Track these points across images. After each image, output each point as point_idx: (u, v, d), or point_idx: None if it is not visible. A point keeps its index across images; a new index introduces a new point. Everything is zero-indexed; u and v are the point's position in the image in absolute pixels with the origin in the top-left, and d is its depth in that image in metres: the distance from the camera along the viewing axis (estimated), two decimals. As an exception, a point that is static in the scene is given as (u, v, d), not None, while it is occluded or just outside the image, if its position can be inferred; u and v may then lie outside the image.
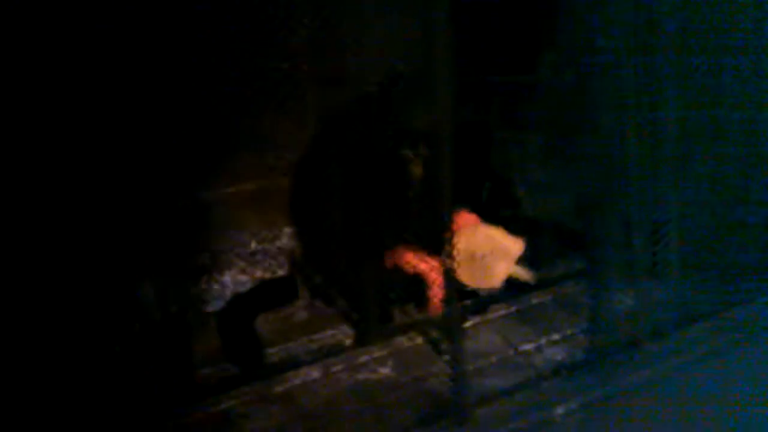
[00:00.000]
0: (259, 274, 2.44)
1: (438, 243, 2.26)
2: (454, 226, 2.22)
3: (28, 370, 1.73)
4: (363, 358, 2.13)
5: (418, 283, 2.24)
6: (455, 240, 2.19)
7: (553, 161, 2.47)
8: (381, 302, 2.24)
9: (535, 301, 2.32)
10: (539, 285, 2.31)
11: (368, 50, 2.18)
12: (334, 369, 2.10)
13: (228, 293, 2.38)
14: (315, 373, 2.09)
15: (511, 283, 2.27)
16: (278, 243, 2.47)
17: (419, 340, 2.19)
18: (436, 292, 2.11)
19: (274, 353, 2.18)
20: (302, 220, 2.42)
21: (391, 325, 2.22)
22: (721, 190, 2.05)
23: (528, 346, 2.11)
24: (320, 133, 2.36)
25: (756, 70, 2.05)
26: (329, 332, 2.24)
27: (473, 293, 2.24)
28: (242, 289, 2.40)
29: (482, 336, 2.15)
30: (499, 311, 2.27)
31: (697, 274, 2.04)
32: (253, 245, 2.45)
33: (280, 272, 2.46)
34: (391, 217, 2.24)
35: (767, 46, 2.04)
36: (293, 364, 2.12)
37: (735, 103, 2.03)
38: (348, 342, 2.20)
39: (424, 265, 2.23)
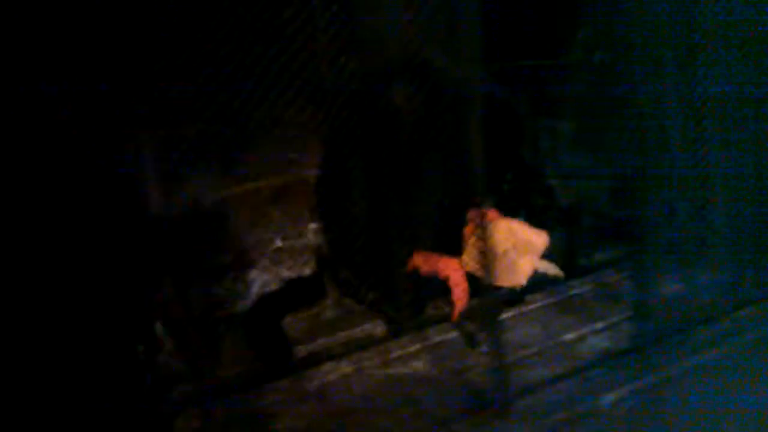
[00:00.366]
0: (285, 272, 2.36)
1: (459, 242, 2.20)
2: (474, 222, 2.15)
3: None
4: (396, 353, 2.04)
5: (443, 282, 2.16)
6: (475, 236, 2.12)
7: (588, 146, 2.36)
8: (412, 297, 2.15)
9: (575, 290, 2.20)
10: (580, 273, 2.20)
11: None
12: (367, 364, 2.00)
13: (254, 293, 2.29)
14: (347, 368, 2.00)
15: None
16: (304, 240, 2.39)
17: (451, 334, 2.09)
18: (458, 294, 2.01)
19: (304, 350, 2.09)
20: (329, 214, 2.33)
21: (423, 319, 2.12)
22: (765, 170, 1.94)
23: (570, 336, 2.01)
24: (345, 126, 2.28)
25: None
26: (359, 328, 2.15)
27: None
28: (268, 288, 2.31)
29: (522, 327, 2.06)
30: (537, 302, 2.15)
31: (746, 257, 1.91)
32: (278, 242, 2.36)
33: (307, 270, 2.37)
34: (415, 217, 2.16)
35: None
36: (325, 358, 2.03)
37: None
38: (379, 336, 2.10)
39: (445, 268, 2.13)
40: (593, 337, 1.99)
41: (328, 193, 2.31)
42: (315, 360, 2.06)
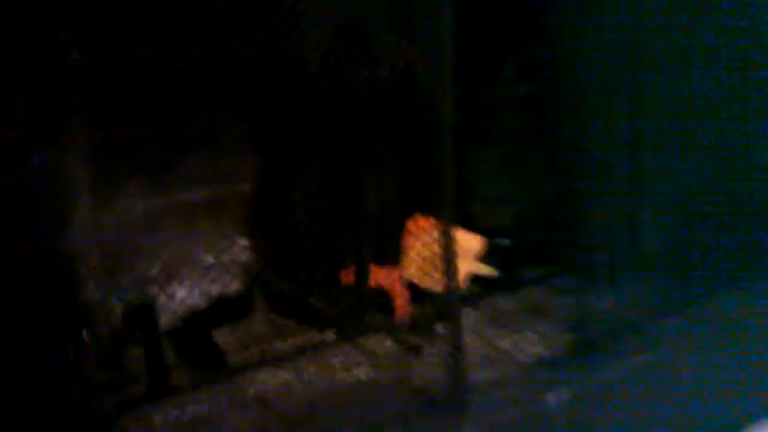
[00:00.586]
0: (212, 287, 2.28)
1: (396, 253, 2.24)
2: (414, 231, 2.21)
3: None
4: (336, 361, 2.01)
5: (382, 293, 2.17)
6: (413, 245, 2.17)
7: (513, 174, 2.49)
8: (347, 310, 2.15)
9: (504, 305, 2.27)
10: (507, 290, 2.28)
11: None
12: (307, 372, 1.96)
13: (180, 306, 2.20)
14: (287, 376, 1.95)
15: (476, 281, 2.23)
16: (233, 255, 2.33)
17: (391, 343, 2.09)
18: (399, 303, 2.04)
19: (238, 359, 2.02)
20: (262, 228, 2.30)
21: (362, 329, 2.11)
22: (691, 196, 2.12)
23: (506, 344, 2.06)
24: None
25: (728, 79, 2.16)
26: (295, 339, 2.11)
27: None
28: (195, 302, 2.23)
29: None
30: (468, 315, 2.19)
31: (669, 272, 2.06)
32: (208, 258, 2.29)
33: (235, 285, 2.31)
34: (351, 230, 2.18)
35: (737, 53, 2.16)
36: (263, 366, 1.97)
37: (705, 112, 2.12)
38: (317, 346, 2.07)
39: (386, 278, 2.16)
40: (529, 347, 2.06)
41: (266, 204, 2.28)
42: (251, 368, 1.98)
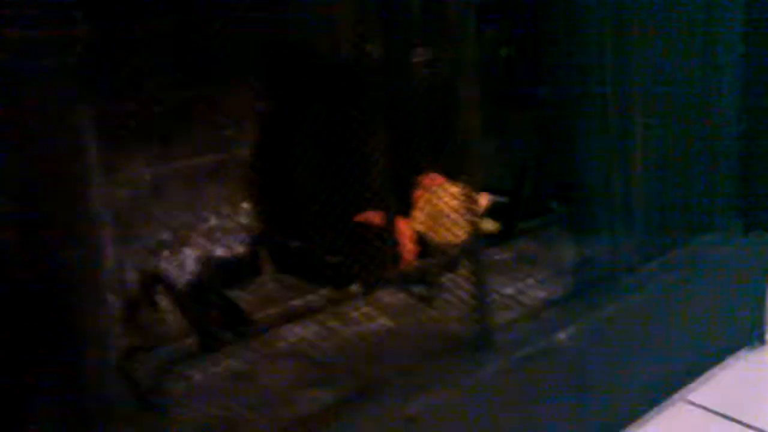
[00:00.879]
0: (218, 250, 2.34)
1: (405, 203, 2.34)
2: (424, 186, 2.32)
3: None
4: (354, 314, 2.11)
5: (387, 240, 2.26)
6: (422, 200, 2.29)
7: (495, 135, 2.61)
8: (354, 264, 2.23)
9: (497, 257, 2.40)
10: (497, 242, 2.41)
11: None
12: (330, 324, 2.05)
13: (189, 270, 2.25)
14: (311, 329, 2.04)
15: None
16: (238, 218, 2.39)
17: (401, 295, 2.20)
18: (406, 252, 2.15)
19: (256, 317, 2.09)
20: (265, 192, 2.36)
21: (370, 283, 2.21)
22: (669, 149, 2.29)
23: (509, 290, 2.20)
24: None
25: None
26: (308, 296, 2.19)
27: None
28: (203, 265, 2.29)
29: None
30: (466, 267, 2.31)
31: (654, 219, 2.23)
32: (212, 221, 2.35)
33: (241, 248, 2.37)
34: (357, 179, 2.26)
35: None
36: (284, 322, 2.05)
37: (682, 71, 2.28)
38: (331, 302, 2.16)
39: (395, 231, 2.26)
40: (530, 291, 2.20)
41: (265, 169, 2.34)
42: (273, 325, 2.06)
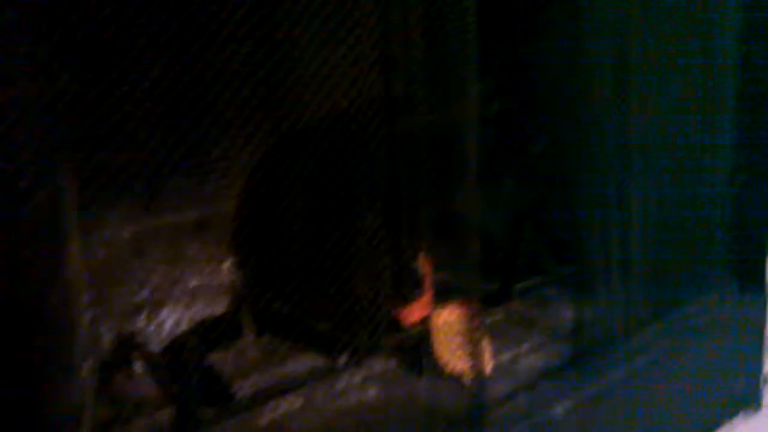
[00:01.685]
0: (200, 311, 2.24)
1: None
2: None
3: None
4: (341, 385, 2.01)
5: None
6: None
7: (488, 190, 2.54)
8: (345, 329, 2.14)
9: (490, 319, 2.33)
10: (507, 299, 2.34)
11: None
12: (315, 397, 1.95)
13: (168, 332, 2.15)
14: (296, 402, 1.94)
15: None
16: (220, 277, 2.29)
17: (391, 363, 2.11)
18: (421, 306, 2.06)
19: (239, 387, 1.99)
20: (250, 250, 2.27)
21: (361, 351, 2.12)
22: (668, 205, 2.24)
23: (505, 357, 2.11)
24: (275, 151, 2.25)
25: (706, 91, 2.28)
26: (292, 364, 2.09)
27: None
28: (183, 327, 2.18)
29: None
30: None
31: (653, 279, 2.18)
32: (194, 281, 2.25)
33: (222, 309, 2.27)
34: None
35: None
36: (268, 394, 1.94)
37: (678, 124, 2.23)
38: (317, 370, 2.06)
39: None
40: (525, 358, 2.12)
41: (252, 227, 2.25)
42: (256, 396, 1.96)
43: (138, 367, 2.02)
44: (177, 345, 2.12)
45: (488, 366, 2.04)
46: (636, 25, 2.09)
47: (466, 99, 1.83)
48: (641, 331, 2.19)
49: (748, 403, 2.55)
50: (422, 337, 2.06)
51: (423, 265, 2.19)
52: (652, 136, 2.19)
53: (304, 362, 2.09)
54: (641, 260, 2.20)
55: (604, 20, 2.05)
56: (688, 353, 2.28)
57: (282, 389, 1.95)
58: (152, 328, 2.13)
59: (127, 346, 2.04)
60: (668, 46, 2.19)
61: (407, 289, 2.20)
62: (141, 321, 2.12)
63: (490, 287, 2.37)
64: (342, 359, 2.05)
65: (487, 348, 2.05)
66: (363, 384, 2.02)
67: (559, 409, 1.90)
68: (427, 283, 2.17)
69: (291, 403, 1.92)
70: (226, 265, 2.29)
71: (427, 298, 2.15)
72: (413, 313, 2.13)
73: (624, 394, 2.07)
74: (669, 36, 2.18)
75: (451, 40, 1.87)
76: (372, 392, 1.98)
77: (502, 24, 2.32)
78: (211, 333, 2.21)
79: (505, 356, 2.13)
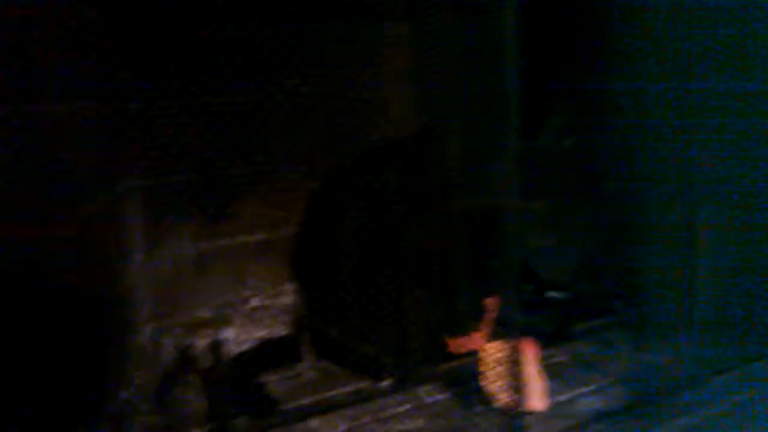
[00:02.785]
0: (260, 332, 2.28)
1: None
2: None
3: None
4: (389, 411, 1.98)
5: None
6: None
7: (557, 225, 2.49)
8: (400, 356, 2.13)
9: (554, 359, 2.25)
10: (554, 343, 2.26)
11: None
12: (361, 422, 1.93)
13: (228, 351, 2.19)
14: (340, 426, 1.92)
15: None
16: (281, 299, 2.33)
17: (443, 394, 2.07)
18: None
19: (288, 407, 2.00)
20: (311, 275, 2.30)
21: (411, 379, 2.09)
22: (745, 250, 2.12)
23: (561, 398, 2.03)
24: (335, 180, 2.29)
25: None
26: (345, 387, 2.08)
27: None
28: (243, 347, 2.22)
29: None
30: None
31: (724, 329, 2.06)
32: (255, 301, 2.29)
33: (283, 331, 2.30)
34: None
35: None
36: (315, 415, 1.94)
37: (759, 160, 2.12)
38: (368, 395, 2.04)
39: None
40: (583, 399, 2.04)
41: (312, 252, 2.29)
42: (302, 417, 1.96)
43: (194, 381, 2.06)
44: (234, 363, 2.17)
45: (542, 403, 1.97)
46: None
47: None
48: (710, 380, 2.05)
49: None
50: (475, 368, 2.01)
51: (486, 301, 2.16)
52: (723, 174, 2.09)
53: (352, 384, 2.09)
54: (713, 305, 2.08)
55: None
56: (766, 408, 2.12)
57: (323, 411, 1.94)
58: (211, 344, 2.17)
59: (186, 360, 2.09)
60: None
61: (467, 321, 2.17)
62: (201, 337, 2.17)
63: (550, 326, 2.30)
64: (389, 383, 2.04)
65: (541, 386, 1.99)
66: (411, 411, 1.99)
67: (612, 454, 1.79)
68: (488, 318, 2.14)
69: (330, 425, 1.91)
70: (288, 287, 2.33)
71: (484, 332, 2.11)
72: (468, 345, 2.09)
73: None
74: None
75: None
76: (420, 421, 1.94)
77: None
78: (269, 353, 2.25)
79: (563, 395, 2.04)
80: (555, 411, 1.98)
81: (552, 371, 2.18)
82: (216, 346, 2.11)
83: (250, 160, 2.17)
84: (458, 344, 2.10)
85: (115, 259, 1.94)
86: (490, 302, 2.12)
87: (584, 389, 2.09)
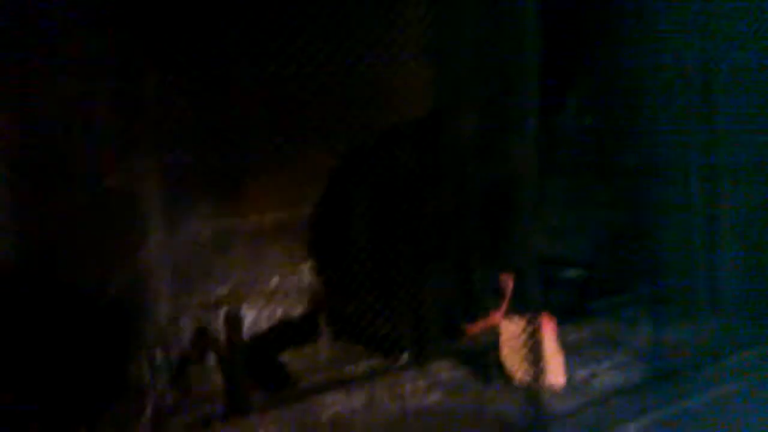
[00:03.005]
0: (279, 310, 2.28)
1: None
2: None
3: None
4: (407, 387, 1.97)
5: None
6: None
7: (578, 203, 2.46)
8: (416, 333, 2.12)
9: (572, 336, 2.22)
10: (575, 320, 2.23)
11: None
12: (379, 397, 1.93)
13: (247, 329, 2.19)
14: (358, 400, 1.92)
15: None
16: (299, 277, 2.32)
17: (460, 370, 2.05)
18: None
19: (307, 382, 2.00)
20: (329, 253, 2.29)
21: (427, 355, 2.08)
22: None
23: (582, 373, 2.02)
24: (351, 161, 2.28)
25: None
26: (364, 363, 2.08)
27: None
28: (262, 325, 2.22)
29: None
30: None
31: (746, 305, 2.02)
32: (274, 279, 2.29)
33: (301, 309, 2.30)
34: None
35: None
36: (333, 390, 1.94)
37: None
38: (386, 371, 2.04)
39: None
40: (604, 375, 2.02)
41: (331, 231, 2.28)
42: (321, 391, 1.96)
43: (212, 359, 2.07)
44: (252, 342, 2.18)
45: (560, 379, 1.95)
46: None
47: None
48: (735, 355, 2.01)
49: None
50: (492, 345, 2.00)
51: (503, 278, 2.15)
52: (746, 146, 2.05)
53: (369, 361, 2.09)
54: (737, 280, 2.04)
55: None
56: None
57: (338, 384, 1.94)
58: (229, 323, 2.17)
59: (204, 339, 2.10)
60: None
61: (485, 298, 2.16)
62: (219, 316, 2.17)
63: (569, 303, 2.28)
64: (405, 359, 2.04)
65: (559, 362, 1.97)
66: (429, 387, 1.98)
67: (631, 428, 1.77)
68: (506, 294, 2.12)
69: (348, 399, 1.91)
70: (306, 266, 2.32)
71: (501, 308, 2.09)
72: (486, 321, 2.08)
73: (712, 421, 1.90)
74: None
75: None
76: (436, 396, 1.93)
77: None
78: (288, 332, 2.26)
79: (582, 372, 2.02)
80: (574, 387, 1.95)
81: (572, 348, 2.16)
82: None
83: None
84: (476, 321, 2.08)
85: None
86: (508, 279, 2.10)
87: (604, 365, 2.06)
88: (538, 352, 1.83)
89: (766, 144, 2.04)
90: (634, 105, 2.27)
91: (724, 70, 1.96)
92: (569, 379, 1.97)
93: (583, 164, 2.45)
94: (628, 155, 2.34)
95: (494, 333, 1.98)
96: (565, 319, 2.26)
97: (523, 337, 1.84)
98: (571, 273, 2.29)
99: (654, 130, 2.13)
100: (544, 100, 2.39)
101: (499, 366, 1.95)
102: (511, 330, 1.96)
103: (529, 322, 1.83)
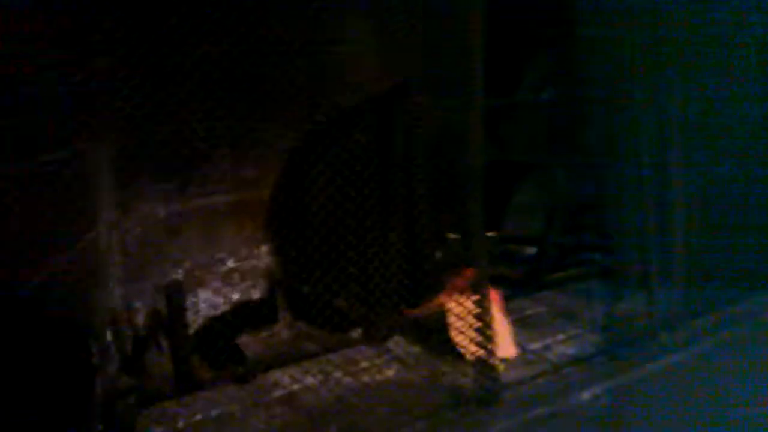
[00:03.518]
0: (235, 293, 2.26)
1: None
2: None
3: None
4: (363, 364, 1.97)
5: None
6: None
7: (536, 180, 2.47)
8: (370, 311, 2.11)
9: (528, 311, 2.23)
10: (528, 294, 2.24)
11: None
12: (334, 373, 1.92)
13: (203, 314, 2.18)
14: (314, 376, 1.91)
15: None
16: (255, 261, 2.31)
17: (416, 347, 2.05)
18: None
19: (262, 364, 1.99)
20: (285, 234, 2.28)
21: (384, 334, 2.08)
22: (722, 200, 2.09)
23: (536, 345, 2.02)
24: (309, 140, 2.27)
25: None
26: (318, 342, 2.07)
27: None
28: (218, 309, 2.21)
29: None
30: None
31: (699, 275, 2.03)
32: (230, 263, 2.28)
33: (258, 292, 2.29)
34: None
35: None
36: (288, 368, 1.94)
37: (731, 114, 2.10)
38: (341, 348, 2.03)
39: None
40: (558, 346, 2.02)
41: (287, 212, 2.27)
42: (275, 368, 1.95)
43: (165, 344, 2.05)
44: (207, 322, 2.16)
45: (511, 350, 1.95)
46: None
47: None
48: (688, 323, 2.02)
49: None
50: (444, 320, 1.99)
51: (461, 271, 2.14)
52: (701, 113, 2.06)
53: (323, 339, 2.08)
54: (689, 251, 2.06)
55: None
56: (747, 350, 2.09)
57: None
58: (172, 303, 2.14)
59: (156, 322, 2.08)
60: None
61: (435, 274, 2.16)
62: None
63: (524, 278, 2.28)
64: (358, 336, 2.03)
65: (509, 333, 1.97)
66: (385, 363, 1.98)
67: (584, 395, 1.77)
68: (456, 271, 2.12)
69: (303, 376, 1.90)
70: (262, 248, 2.31)
71: (452, 284, 2.09)
72: (437, 297, 2.08)
73: (666, 389, 1.92)
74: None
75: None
76: (390, 373, 1.92)
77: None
78: (245, 315, 2.24)
79: (536, 345, 2.03)
80: (529, 358, 1.96)
81: (528, 321, 2.17)
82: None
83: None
84: (427, 297, 2.08)
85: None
86: (465, 271, 2.09)
87: (558, 338, 2.06)
88: (489, 326, 1.82)
89: (711, 119, 2.05)
90: (590, 77, 2.28)
91: (676, 47, 1.97)
92: (523, 352, 1.98)
93: (540, 139, 2.46)
94: (584, 130, 2.35)
95: (446, 308, 1.97)
96: (520, 293, 2.28)
97: (474, 311, 1.83)
98: (526, 248, 2.29)
99: (610, 102, 2.13)
100: (500, 75, 2.41)
101: (452, 341, 1.94)
102: (461, 304, 1.95)
103: (479, 297, 1.82)
